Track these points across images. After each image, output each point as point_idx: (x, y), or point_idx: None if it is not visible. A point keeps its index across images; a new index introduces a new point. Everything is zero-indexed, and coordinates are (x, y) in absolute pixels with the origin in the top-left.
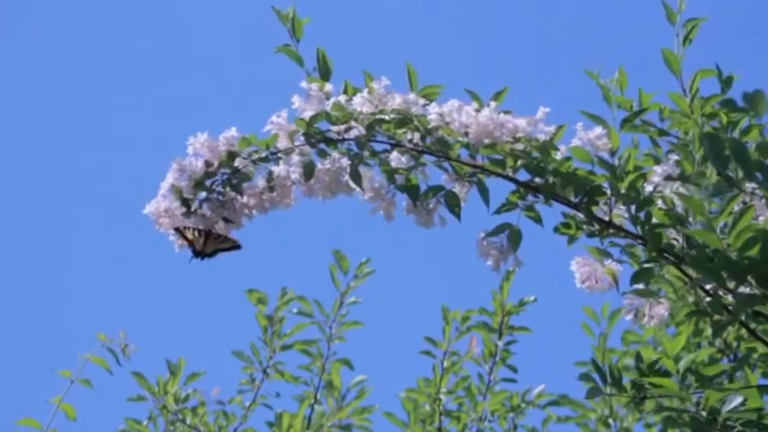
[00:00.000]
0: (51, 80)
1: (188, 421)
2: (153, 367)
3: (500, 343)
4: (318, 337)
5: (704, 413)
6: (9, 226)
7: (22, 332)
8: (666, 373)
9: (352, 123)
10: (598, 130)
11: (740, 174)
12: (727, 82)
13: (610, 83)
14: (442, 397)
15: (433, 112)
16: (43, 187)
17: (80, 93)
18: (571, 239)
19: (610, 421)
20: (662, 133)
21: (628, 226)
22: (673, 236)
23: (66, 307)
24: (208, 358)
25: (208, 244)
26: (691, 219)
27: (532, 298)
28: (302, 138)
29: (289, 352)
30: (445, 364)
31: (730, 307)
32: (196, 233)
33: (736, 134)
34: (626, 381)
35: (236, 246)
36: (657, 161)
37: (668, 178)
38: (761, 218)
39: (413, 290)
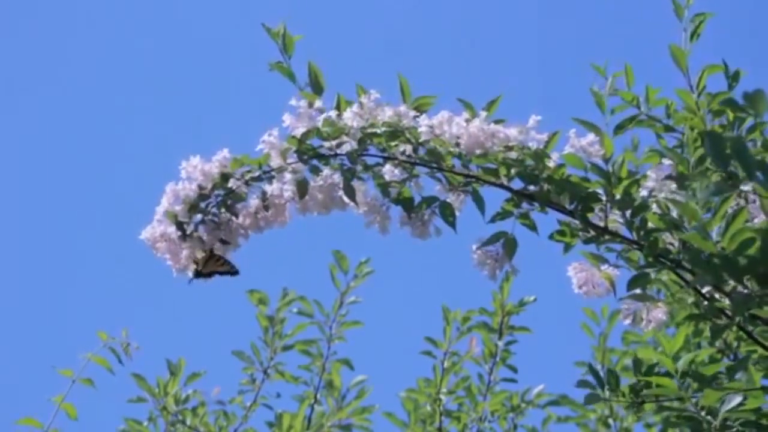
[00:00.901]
0: (54, 83)
1: (188, 422)
2: (153, 367)
3: (500, 344)
4: (318, 337)
5: (703, 413)
6: (9, 226)
7: (22, 332)
8: (666, 374)
9: (344, 138)
10: (591, 137)
11: (741, 173)
12: (734, 78)
13: (612, 82)
14: (443, 397)
15: (423, 124)
16: (44, 187)
17: (83, 96)
18: (567, 247)
19: (610, 421)
20: (668, 129)
21: (624, 231)
22: (669, 240)
23: (66, 307)
24: (208, 359)
25: (208, 265)
26: (686, 224)
27: (532, 298)
28: (295, 155)
29: (289, 352)
30: (446, 364)
31: (727, 311)
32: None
33: (742, 132)
34: (626, 383)
35: (233, 272)
36: (662, 156)
37: (668, 177)
38: (757, 221)
39: (413, 290)
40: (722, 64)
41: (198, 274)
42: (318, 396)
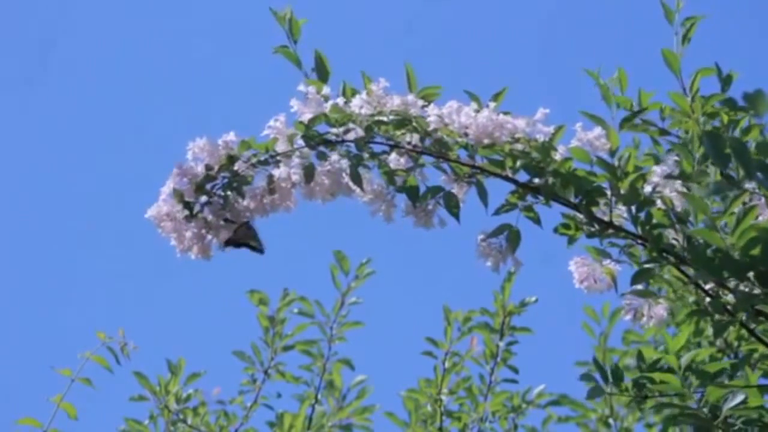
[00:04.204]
0: (54, 82)
1: (189, 421)
2: (153, 367)
3: (501, 344)
4: (319, 337)
5: (705, 410)
6: (9, 226)
7: (22, 332)
8: (668, 370)
9: (351, 125)
10: (597, 130)
11: (741, 173)
12: (726, 81)
13: (610, 82)
14: (444, 397)
15: (432, 113)
16: (43, 187)
17: (82, 94)
18: (571, 240)
19: (611, 421)
20: (663, 132)
21: (628, 226)
22: (673, 236)
23: (66, 307)
24: (208, 359)
25: (240, 234)
26: (692, 218)
27: (533, 298)
28: (301, 141)
29: (290, 352)
30: (447, 364)
31: (730, 308)
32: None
33: (737, 134)
34: (627, 381)
35: (261, 250)
36: (658, 161)
37: (669, 176)
38: (761, 219)
39: (414, 290)
40: (714, 67)
41: (229, 242)
42: (319, 396)
